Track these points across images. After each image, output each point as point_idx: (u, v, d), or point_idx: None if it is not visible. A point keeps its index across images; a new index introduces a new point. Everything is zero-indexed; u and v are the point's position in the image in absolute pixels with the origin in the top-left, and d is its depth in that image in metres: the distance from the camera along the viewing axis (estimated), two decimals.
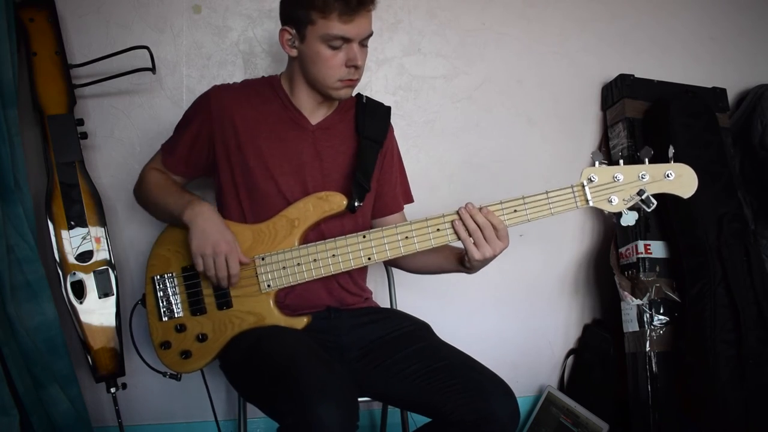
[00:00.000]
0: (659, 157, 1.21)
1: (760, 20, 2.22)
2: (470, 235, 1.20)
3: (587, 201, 1.21)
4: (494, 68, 1.99)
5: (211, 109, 1.34)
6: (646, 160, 1.20)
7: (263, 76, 1.45)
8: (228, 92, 1.37)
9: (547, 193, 1.22)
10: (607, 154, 2.04)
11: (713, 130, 1.92)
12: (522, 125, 2.02)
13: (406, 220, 1.52)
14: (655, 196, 1.20)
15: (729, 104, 2.09)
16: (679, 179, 1.20)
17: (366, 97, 1.46)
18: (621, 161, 1.23)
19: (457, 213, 1.21)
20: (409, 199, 1.56)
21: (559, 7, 2.03)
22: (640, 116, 1.96)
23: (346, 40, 1.23)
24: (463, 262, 1.29)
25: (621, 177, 1.20)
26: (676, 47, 2.14)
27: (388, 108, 1.48)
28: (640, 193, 1.19)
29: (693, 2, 2.16)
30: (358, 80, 1.31)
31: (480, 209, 1.20)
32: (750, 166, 2.07)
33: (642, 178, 1.20)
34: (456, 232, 1.21)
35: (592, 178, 1.21)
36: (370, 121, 1.42)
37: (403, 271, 1.50)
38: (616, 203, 1.21)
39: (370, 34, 1.27)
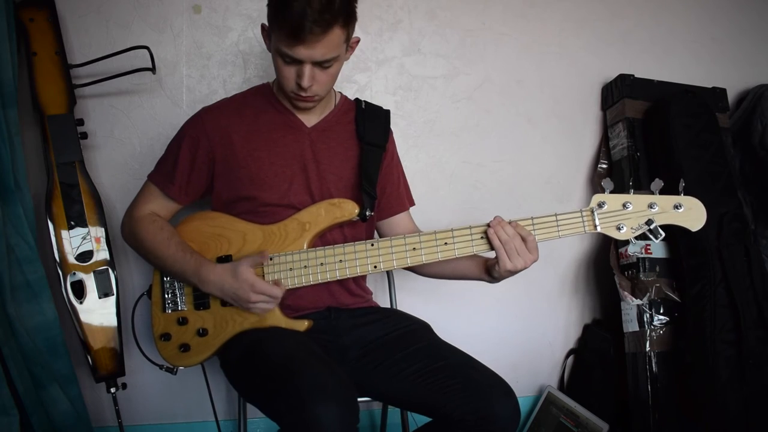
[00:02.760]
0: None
1: (761, 20, 2.22)
2: (503, 245, 1.21)
3: (595, 226, 1.22)
4: (494, 68, 1.99)
5: (207, 131, 1.33)
6: (657, 191, 1.21)
7: (251, 87, 1.45)
8: (220, 111, 1.36)
9: (556, 215, 1.23)
10: (607, 154, 2.04)
11: (713, 130, 1.92)
12: (522, 125, 2.02)
13: (413, 221, 1.53)
14: (663, 227, 1.21)
15: (729, 104, 2.09)
16: (689, 212, 1.21)
17: (365, 102, 1.46)
18: (632, 190, 1.23)
19: (488, 225, 1.22)
20: (412, 202, 1.55)
21: (559, 7, 2.04)
22: (640, 116, 1.96)
23: (296, 60, 1.20)
24: (490, 272, 1.30)
25: (631, 205, 1.21)
26: (676, 47, 2.14)
27: (388, 111, 1.47)
28: (649, 222, 1.20)
29: (693, 2, 2.16)
30: (312, 98, 1.27)
31: (510, 222, 1.22)
32: (750, 166, 2.07)
33: (651, 208, 1.21)
34: (490, 241, 1.22)
35: (602, 204, 1.22)
36: (371, 126, 1.42)
37: (404, 272, 1.50)
38: (624, 231, 1.22)
39: (331, 58, 1.20)
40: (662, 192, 1.21)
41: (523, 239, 1.20)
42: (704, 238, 1.77)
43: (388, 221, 1.50)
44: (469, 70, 1.97)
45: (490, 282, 1.32)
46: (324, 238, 1.35)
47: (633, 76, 1.98)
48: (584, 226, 1.23)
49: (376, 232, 1.52)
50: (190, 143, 1.34)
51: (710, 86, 2.08)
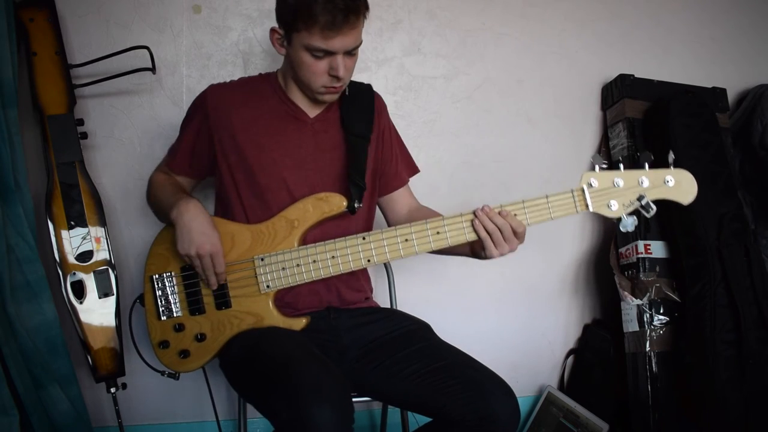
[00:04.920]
0: (660, 161, 1.20)
1: (760, 20, 2.22)
2: (489, 235, 1.20)
3: (587, 206, 1.21)
4: (494, 68, 1.99)
5: (208, 108, 1.34)
6: (646, 165, 1.19)
7: (260, 74, 1.45)
8: (224, 90, 1.38)
9: (547, 197, 1.22)
10: (607, 154, 2.04)
11: (713, 130, 1.92)
12: (522, 125, 2.02)
13: (412, 196, 1.51)
14: (655, 201, 1.19)
15: (729, 104, 2.10)
16: (679, 185, 1.20)
17: (347, 87, 1.42)
18: (621, 165, 1.21)
19: (474, 213, 1.21)
20: (414, 170, 1.54)
21: (559, 7, 2.04)
22: (640, 116, 1.97)
23: (329, 53, 1.22)
24: (477, 253, 1.29)
25: (621, 182, 1.20)
26: (676, 47, 2.14)
27: (369, 87, 1.46)
28: (640, 198, 1.19)
29: (693, 2, 2.16)
30: (342, 87, 1.31)
31: (499, 212, 1.21)
32: (750, 166, 2.07)
33: (641, 183, 1.19)
34: (475, 231, 1.22)
35: (592, 183, 1.21)
36: (355, 114, 1.41)
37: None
38: (615, 209, 1.20)
39: (358, 45, 1.25)
40: None
41: (514, 230, 1.20)
42: (704, 238, 1.77)
43: (387, 198, 1.49)
44: (469, 70, 1.97)
45: (480, 259, 1.31)
46: (320, 232, 1.33)
47: (633, 76, 1.98)
48: (576, 206, 1.21)
49: (378, 209, 1.51)
50: (194, 118, 1.38)
51: (710, 86, 2.08)
